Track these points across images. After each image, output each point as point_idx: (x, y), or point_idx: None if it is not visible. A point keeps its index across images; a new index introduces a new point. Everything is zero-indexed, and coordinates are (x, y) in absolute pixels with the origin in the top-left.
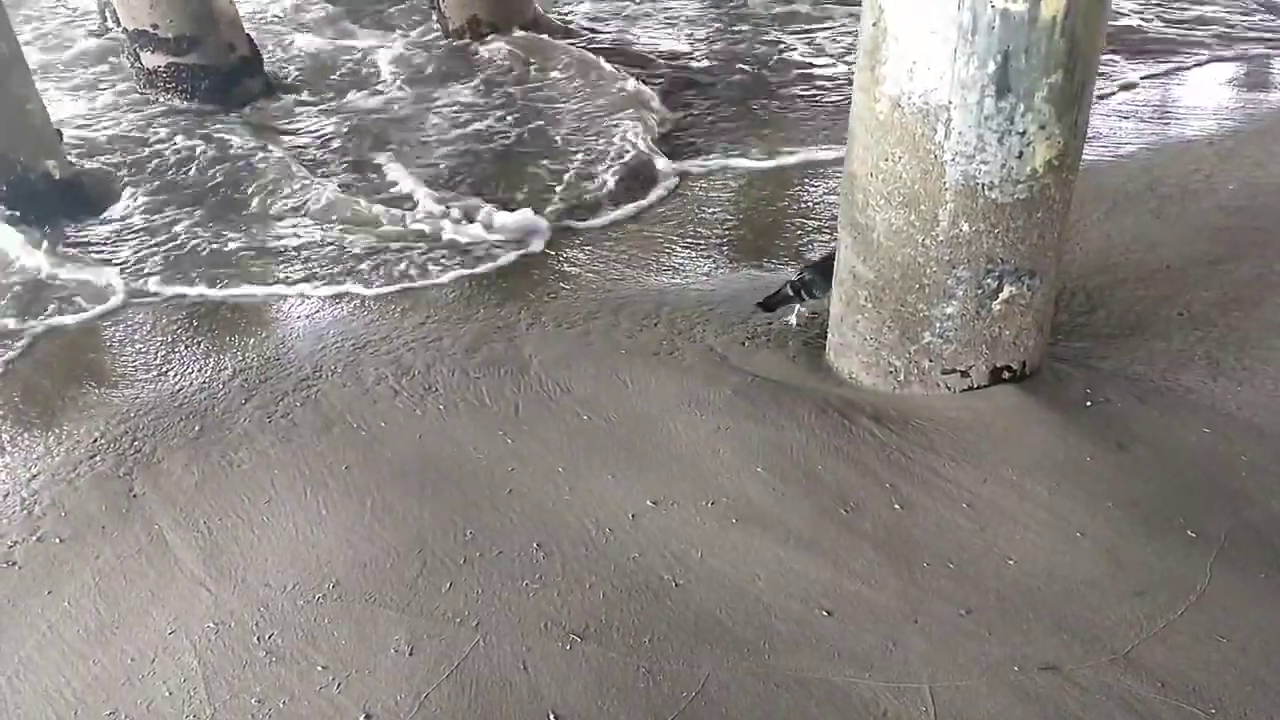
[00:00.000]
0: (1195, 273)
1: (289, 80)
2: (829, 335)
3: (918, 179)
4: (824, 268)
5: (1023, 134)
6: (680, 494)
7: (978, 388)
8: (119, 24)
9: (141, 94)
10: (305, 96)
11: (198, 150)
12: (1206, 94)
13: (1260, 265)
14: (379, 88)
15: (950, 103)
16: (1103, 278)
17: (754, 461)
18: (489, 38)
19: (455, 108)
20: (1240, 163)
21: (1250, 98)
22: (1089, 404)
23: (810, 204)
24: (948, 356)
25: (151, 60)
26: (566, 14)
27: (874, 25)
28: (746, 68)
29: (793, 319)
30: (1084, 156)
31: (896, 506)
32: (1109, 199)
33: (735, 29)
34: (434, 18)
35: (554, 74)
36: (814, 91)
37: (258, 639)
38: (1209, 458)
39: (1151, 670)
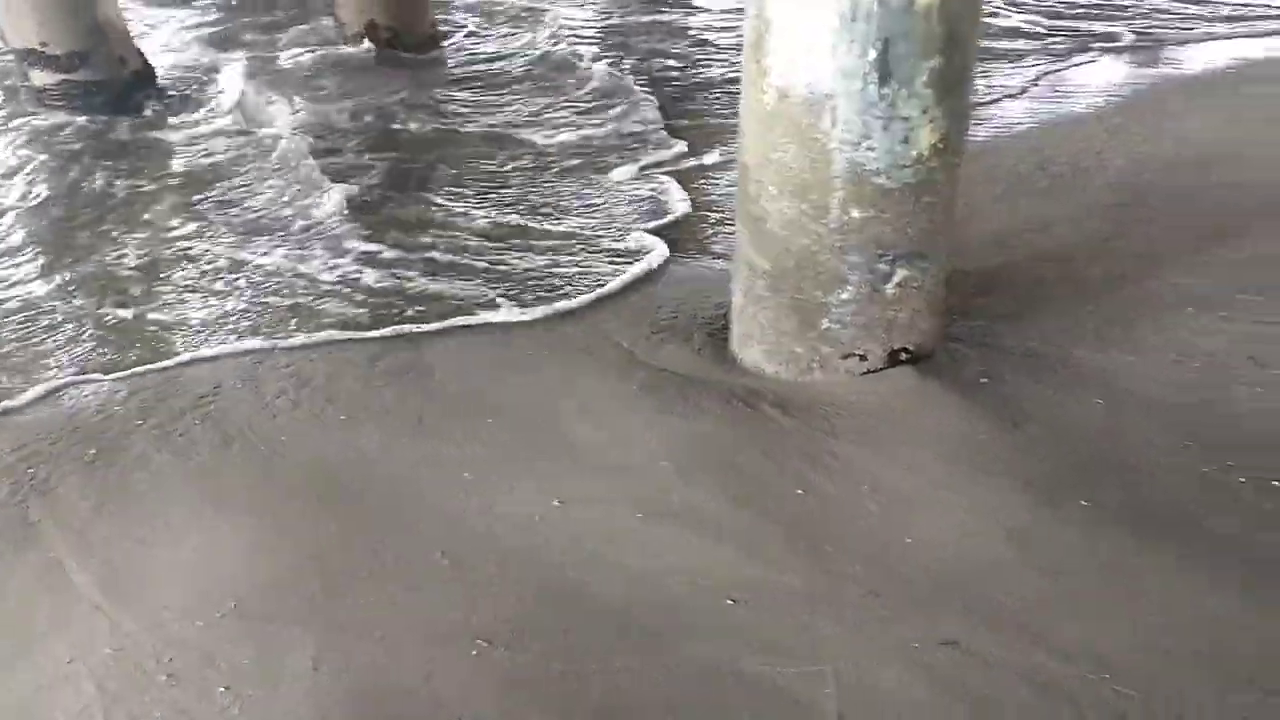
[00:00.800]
0: (1086, 249)
1: (179, 95)
2: (732, 326)
3: (807, 168)
4: None
5: (906, 120)
6: (588, 492)
7: (877, 371)
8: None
9: (32, 112)
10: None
11: (79, 162)
12: (1098, 75)
13: (1147, 240)
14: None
15: (834, 91)
16: (998, 258)
17: (661, 455)
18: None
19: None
20: (1129, 139)
21: (1140, 75)
22: (984, 383)
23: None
24: (846, 341)
25: (41, 78)
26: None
27: (757, 17)
28: None
29: None
30: (979, 138)
31: (800, 492)
32: (1003, 180)
33: None
34: (330, 22)
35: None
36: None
37: (157, 663)
38: (1101, 432)
39: (1052, 642)
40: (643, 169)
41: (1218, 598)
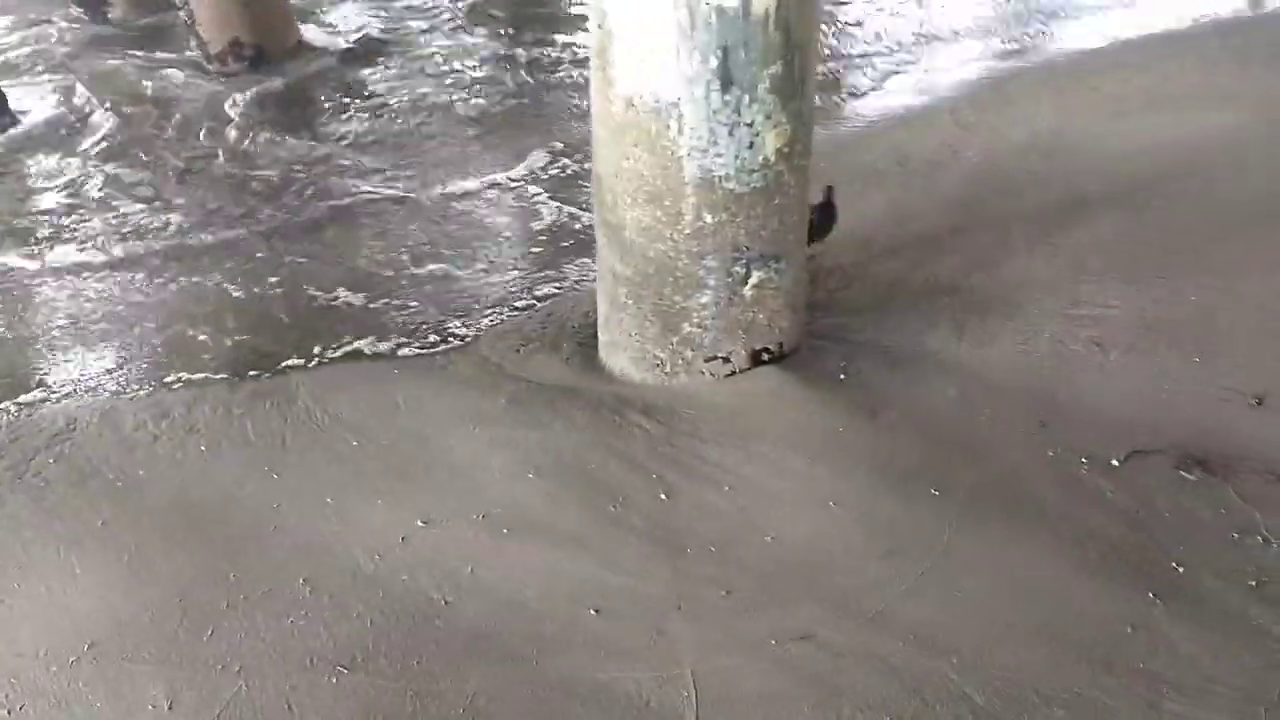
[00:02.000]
0: (941, 241)
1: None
2: (599, 335)
3: (658, 175)
4: (829, 204)
5: (751, 125)
6: (451, 510)
7: (740, 372)
8: None
9: None
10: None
11: None
12: (953, 70)
13: (998, 228)
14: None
15: (679, 99)
16: (857, 254)
17: (526, 469)
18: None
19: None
20: (981, 132)
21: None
22: (844, 377)
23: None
24: (708, 345)
25: None
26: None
27: (600, 27)
28: None
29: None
30: (840, 135)
31: (663, 496)
32: (861, 177)
33: None
34: (192, 42)
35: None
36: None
37: (8, 712)
38: (953, 418)
39: (900, 627)
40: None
41: (1056, 576)
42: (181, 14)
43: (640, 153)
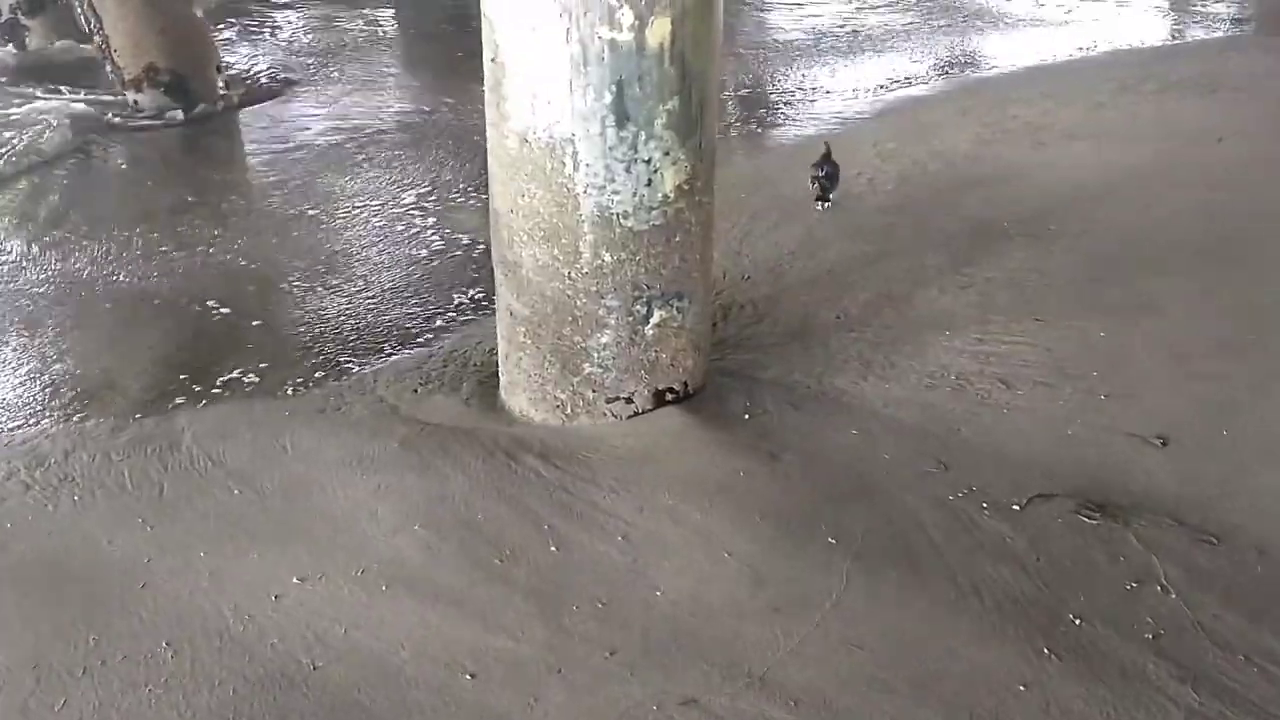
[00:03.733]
0: (854, 274)
1: None
2: (500, 374)
3: (555, 213)
4: (830, 161)
5: (648, 161)
6: (330, 565)
7: (643, 412)
8: None
9: None
10: None
11: None
12: (877, 99)
13: (912, 261)
14: None
15: (574, 135)
16: (769, 287)
17: (413, 519)
18: None
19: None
20: (900, 162)
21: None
22: (748, 417)
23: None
24: (610, 385)
25: None
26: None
27: (493, 61)
28: None
29: (821, 207)
30: (761, 168)
31: (553, 548)
32: (780, 208)
33: None
34: (107, 68)
35: None
36: None
37: None
38: (854, 459)
39: (785, 690)
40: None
41: (948, 631)
42: (96, 39)
43: (536, 189)
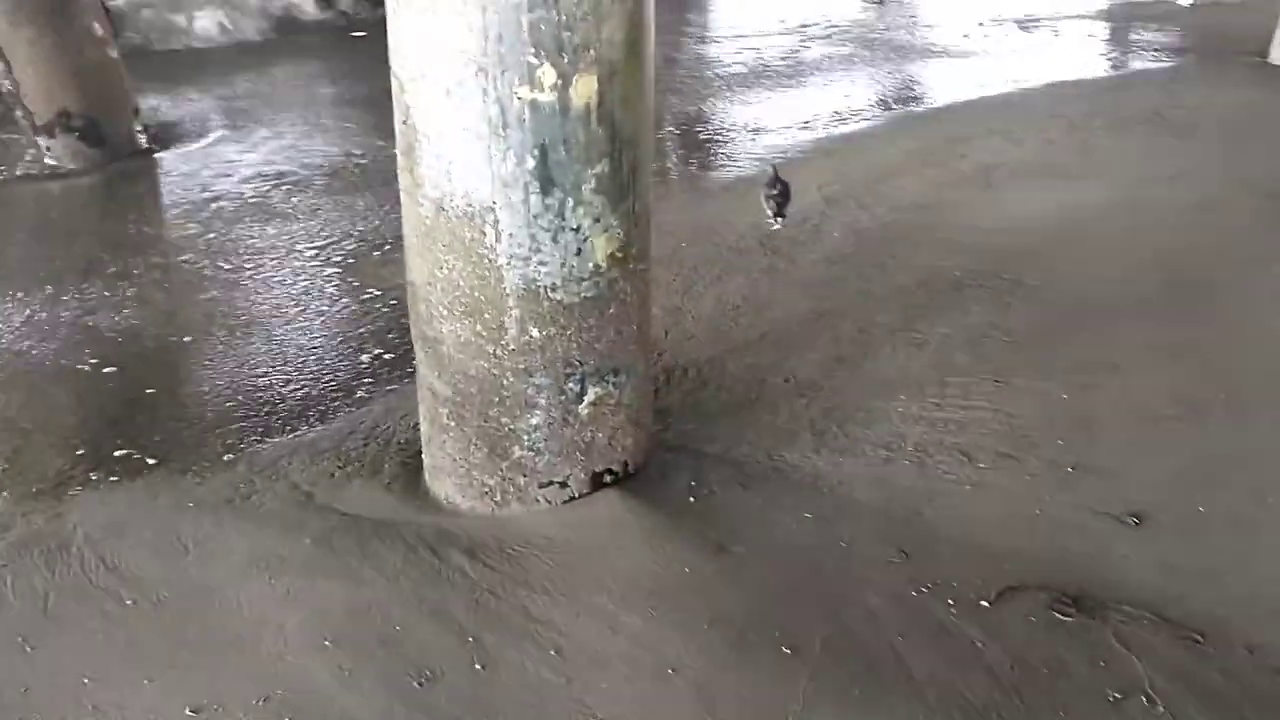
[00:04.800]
0: (803, 332)
1: None
2: (424, 457)
3: (476, 286)
4: (779, 181)
5: (577, 230)
6: (230, 694)
7: (580, 497)
8: None
9: None
10: None
11: None
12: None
13: (862, 317)
14: None
15: (495, 203)
16: (714, 347)
17: (323, 634)
18: None
19: None
20: (847, 206)
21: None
22: (693, 500)
23: None
24: (542, 469)
25: None
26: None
27: (404, 124)
28: None
29: (777, 225)
30: (703, 215)
31: (479, 666)
32: (722, 260)
33: None
34: (18, 113)
35: None
36: None
37: None
38: (808, 549)
39: None
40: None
41: None
42: (5, 83)
43: (455, 261)
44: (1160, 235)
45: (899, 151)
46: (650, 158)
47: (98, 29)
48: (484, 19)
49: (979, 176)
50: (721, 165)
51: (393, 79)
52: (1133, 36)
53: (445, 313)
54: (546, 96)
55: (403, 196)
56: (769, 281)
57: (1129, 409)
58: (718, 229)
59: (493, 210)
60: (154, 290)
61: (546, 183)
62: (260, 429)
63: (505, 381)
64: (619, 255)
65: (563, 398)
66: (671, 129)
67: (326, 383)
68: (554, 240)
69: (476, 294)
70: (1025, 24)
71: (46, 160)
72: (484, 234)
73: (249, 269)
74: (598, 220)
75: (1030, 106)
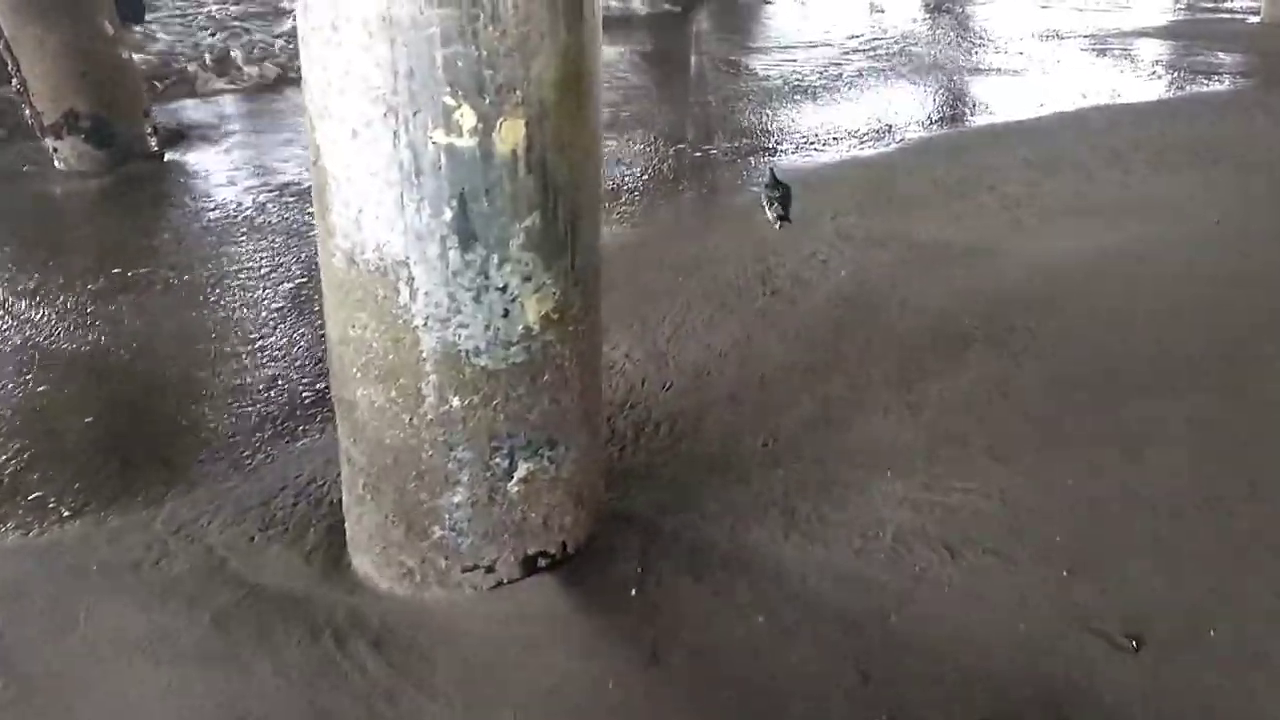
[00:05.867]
0: (789, 386)
1: None
2: (346, 527)
3: (390, 348)
4: (779, 184)
5: (503, 289)
6: None
7: (509, 582)
8: None
9: None
10: None
11: None
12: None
13: (857, 372)
14: None
15: (409, 258)
16: (692, 399)
17: None
18: None
19: None
20: (860, 242)
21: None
22: (635, 591)
23: None
24: (466, 552)
25: None
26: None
27: (315, 164)
28: None
29: (778, 226)
30: (704, 244)
31: None
32: (718, 297)
33: None
34: (25, 112)
35: None
36: None
37: None
38: (756, 663)
39: None
40: None
41: None
42: (13, 81)
43: (367, 320)
44: (1199, 286)
45: (925, 180)
46: (596, 206)
47: (108, 28)
48: (393, 53)
49: (1007, 213)
50: (734, 189)
51: (305, 114)
52: (1191, 57)
53: (359, 375)
54: (465, 141)
55: (318, 245)
56: (763, 325)
57: (1141, 499)
58: (720, 261)
59: (406, 266)
60: (127, 309)
61: (467, 237)
62: (189, 477)
63: (424, 454)
64: (554, 316)
65: (489, 474)
66: (686, 146)
67: (273, 423)
68: (476, 300)
69: (390, 357)
70: (1078, 39)
71: (55, 162)
72: (398, 291)
73: (227, 288)
74: (528, 279)
75: (1071, 133)
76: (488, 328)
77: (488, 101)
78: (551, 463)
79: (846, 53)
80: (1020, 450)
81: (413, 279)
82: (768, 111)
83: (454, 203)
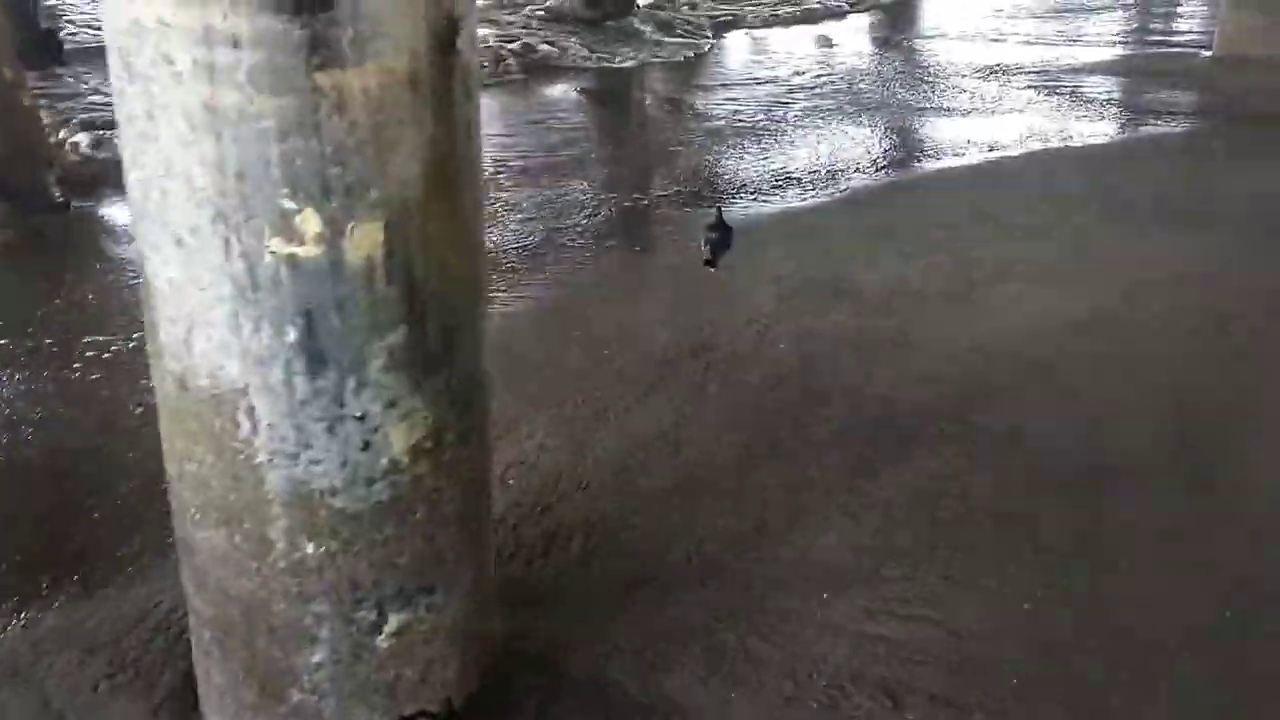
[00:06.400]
0: (723, 484)
1: None
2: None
3: (231, 487)
4: (722, 224)
5: (362, 418)
6: None
7: None
8: None
9: None
10: None
11: None
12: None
13: (797, 466)
14: None
15: (248, 384)
16: (612, 502)
17: None
18: None
19: None
20: (801, 307)
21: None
22: None
23: None
24: (329, 717)
25: None
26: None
27: (141, 274)
28: None
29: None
30: (633, 312)
31: None
32: (647, 377)
33: None
34: None
35: None
36: None
37: None
38: None
39: None
40: None
41: None
42: None
43: (204, 454)
44: (1170, 364)
45: (871, 235)
46: (479, 312)
47: (6, 73)
48: (219, 149)
49: (958, 274)
50: (670, 243)
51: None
52: (1145, 94)
53: (198, 516)
54: (310, 250)
55: (150, 365)
56: (695, 409)
57: (1108, 631)
58: (651, 331)
59: (246, 394)
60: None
61: (316, 360)
62: (45, 601)
63: (275, 608)
64: (427, 445)
65: (352, 629)
66: (619, 195)
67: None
68: (330, 433)
69: (232, 497)
70: (1028, 75)
71: None
72: (237, 424)
73: (102, 364)
74: (392, 404)
75: (1024, 181)
76: (344, 463)
77: (335, 204)
78: (430, 610)
79: (792, 90)
80: (975, 567)
81: (253, 409)
82: (709, 156)
83: (299, 321)
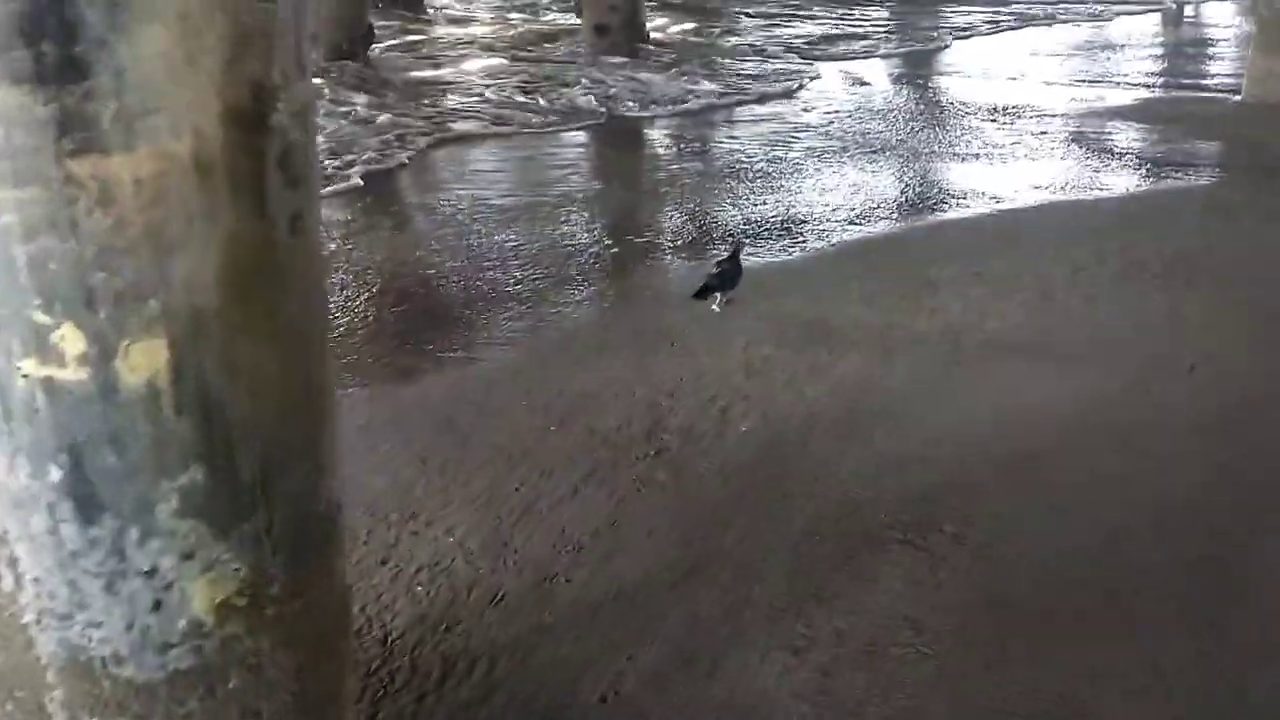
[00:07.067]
0: (652, 603)
1: None
2: None
3: None
4: (735, 260)
5: (151, 573)
6: None
7: None
8: None
9: None
10: None
11: None
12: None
13: (735, 587)
14: None
15: (8, 533)
16: (526, 620)
17: None
18: None
19: None
20: (770, 384)
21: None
22: None
23: None
24: None
25: None
26: None
27: None
28: None
29: (715, 306)
30: (585, 383)
31: None
32: (590, 458)
33: None
34: None
35: None
36: None
37: None
38: None
39: None
40: None
41: None
42: None
43: None
44: (1173, 466)
45: (856, 296)
46: (322, 439)
47: None
48: None
49: (946, 345)
50: (642, 297)
51: None
52: (1168, 144)
53: None
54: (72, 373)
55: None
56: (637, 505)
57: None
58: (602, 403)
59: (6, 543)
60: None
61: (87, 504)
62: None
63: None
64: (240, 602)
65: None
66: (597, 240)
67: None
68: (109, 591)
69: (0, 660)
70: (1046, 119)
71: None
72: None
73: None
74: (189, 556)
75: (1028, 239)
76: (130, 626)
77: (103, 317)
78: None
79: (796, 129)
80: (935, 704)
81: (16, 561)
82: (699, 199)
83: (63, 458)
